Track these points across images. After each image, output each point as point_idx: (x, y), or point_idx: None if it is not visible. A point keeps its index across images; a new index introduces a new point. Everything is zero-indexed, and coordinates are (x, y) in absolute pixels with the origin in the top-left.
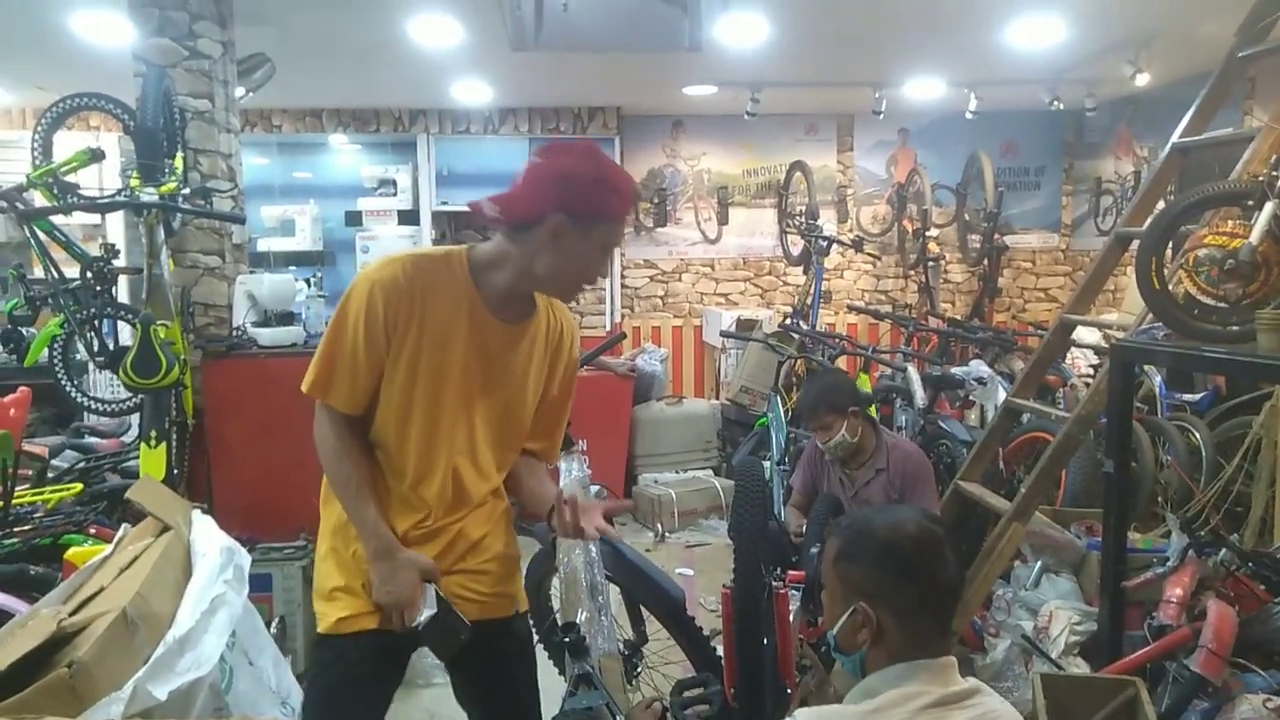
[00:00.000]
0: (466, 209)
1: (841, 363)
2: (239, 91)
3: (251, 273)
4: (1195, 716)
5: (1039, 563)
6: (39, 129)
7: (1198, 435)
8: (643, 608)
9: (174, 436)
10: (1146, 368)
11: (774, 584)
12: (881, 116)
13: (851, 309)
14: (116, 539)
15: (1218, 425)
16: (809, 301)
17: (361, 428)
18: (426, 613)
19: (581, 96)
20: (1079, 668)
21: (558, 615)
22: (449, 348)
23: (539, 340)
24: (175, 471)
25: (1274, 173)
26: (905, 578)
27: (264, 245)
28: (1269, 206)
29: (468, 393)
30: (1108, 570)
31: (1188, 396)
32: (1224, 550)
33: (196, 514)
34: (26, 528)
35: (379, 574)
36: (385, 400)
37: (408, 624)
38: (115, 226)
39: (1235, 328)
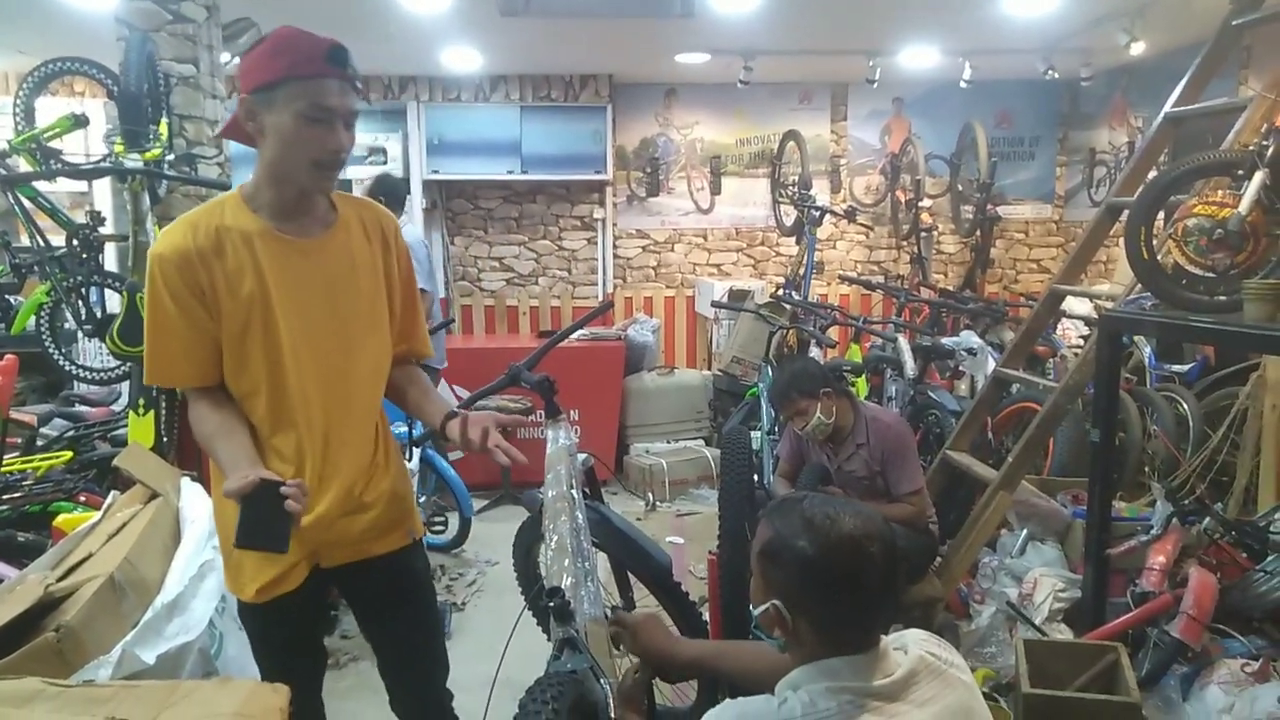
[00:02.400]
0: (457, 178)
1: (833, 333)
2: (224, 57)
3: None
4: (1174, 680)
5: (1025, 531)
6: (20, 94)
7: (1185, 405)
8: (630, 574)
9: (162, 404)
10: (1137, 339)
11: None
12: (875, 86)
13: (844, 279)
14: (105, 506)
15: (1205, 396)
16: (801, 272)
17: (227, 395)
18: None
19: (573, 64)
20: (1062, 634)
21: (545, 581)
22: (260, 285)
23: (355, 239)
24: (164, 439)
25: (1264, 142)
26: (824, 591)
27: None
28: (1258, 176)
29: (301, 322)
30: (1092, 538)
31: (1176, 367)
32: (1207, 519)
33: (185, 481)
34: (15, 495)
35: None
36: (227, 362)
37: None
38: (101, 193)
39: (1223, 297)
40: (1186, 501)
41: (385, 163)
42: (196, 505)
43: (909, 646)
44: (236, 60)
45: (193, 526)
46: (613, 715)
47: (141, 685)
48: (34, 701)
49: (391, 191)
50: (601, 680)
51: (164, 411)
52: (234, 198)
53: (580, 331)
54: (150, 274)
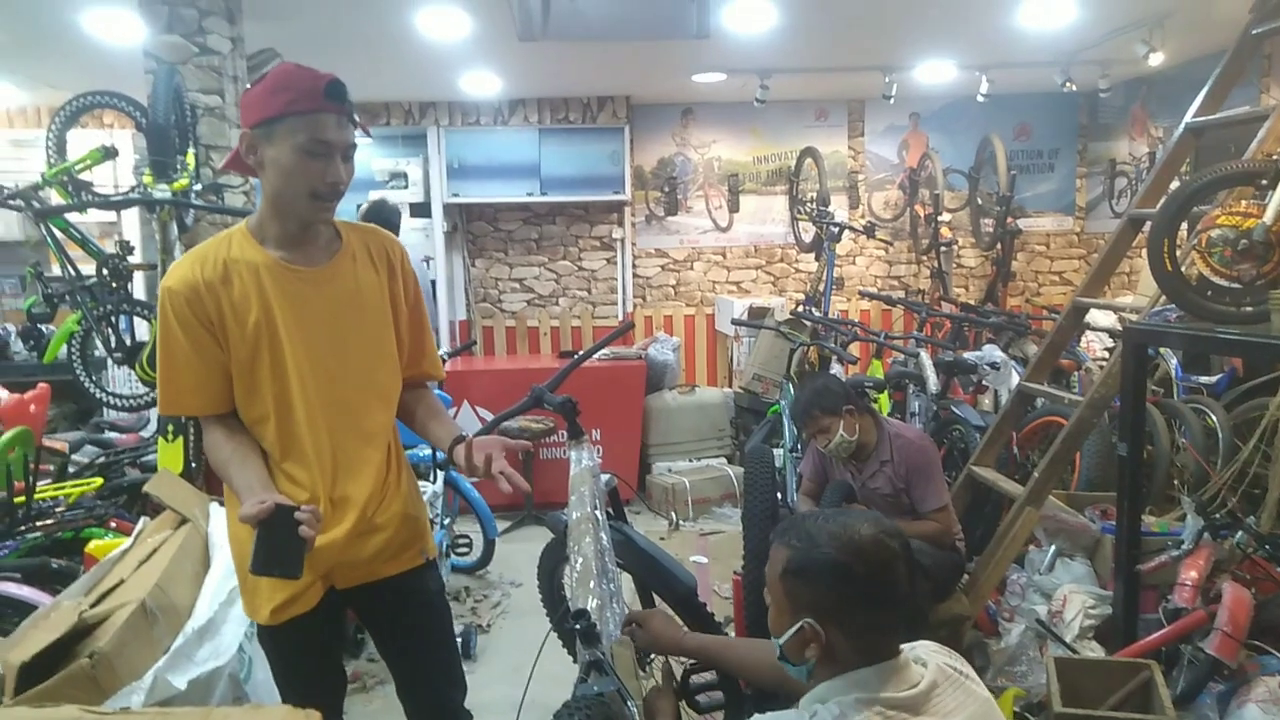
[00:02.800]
0: (477, 201)
1: (854, 349)
2: (249, 88)
3: None
4: (1210, 699)
5: (1053, 547)
6: (53, 127)
7: (1214, 417)
8: (655, 595)
9: (191, 430)
10: (1163, 350)
11: None
12: (892, 101)
13: (864, 295)
14: (136, 532)
15: (1234, 407)
16: (821, 288)
17: (240, 422)
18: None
19: (590, 86)
20: (1093, 651)
21: (570, 603)
22: (267, 314)
23: (362, 265)
24: (193, 465)
25: None
26: (857, 598)
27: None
28: None
29: (307, 350)
30: (1122, 553)
31: (1204, 379)
32: (1240, 533)
33: (214, 506)
34: (48, 522)
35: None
36: (237, 390)
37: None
38: (130, 223)
39: (1249, 309)
40: (1218, 515)
41: (406, 187)
42: (225, 530)
43: (925, 658)
44: None
45: (221, 551)
46: None
47: (174, 712)
48: None
49: (384, 218)
50: (629, 703)
51: (193, 438)
52: (240, 231)
53: (601, 351)
54: (160, 306)
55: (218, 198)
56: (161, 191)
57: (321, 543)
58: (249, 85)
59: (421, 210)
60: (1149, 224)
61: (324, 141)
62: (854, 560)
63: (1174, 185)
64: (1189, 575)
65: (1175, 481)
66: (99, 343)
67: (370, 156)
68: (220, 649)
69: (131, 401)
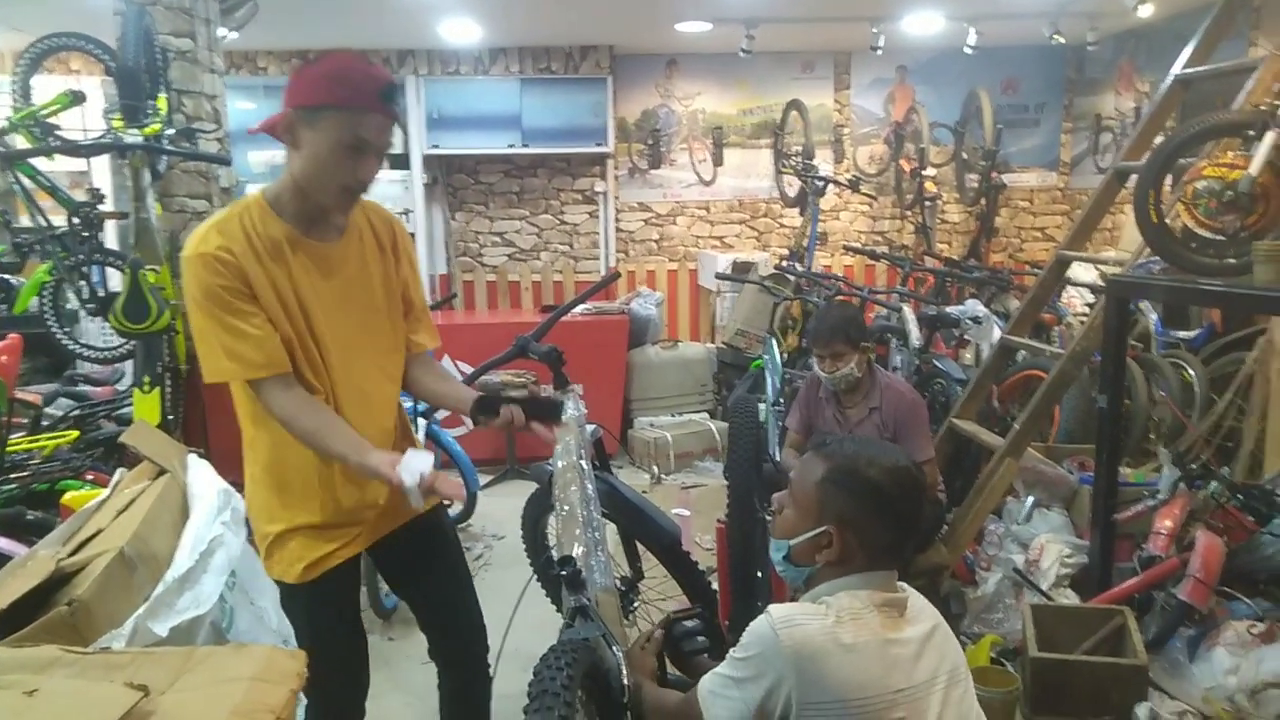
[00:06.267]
0: (457, 152)
1: None
2: (221, 31)
3: None
4: (1181, 643)
5: (1031, 498)
6: (17, 71)
7: (1191, 371)
8: (639, 544)
9: (167, 382)
10: (1142, 305)
11: (768, 519)
12: (879, 53)
13: (848, 250)
14: (113, 483)
15: (1212, 361)
16: (805, 243)
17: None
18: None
19: (573, 35)
20: (1069, 599)
21: (554, 551)
22: (294, 286)
23: (368, 242)
24: (170, 416)
25: (1276, 102)
26: (886, 516)
27: (253, 190)
28: (1269, 136)
29: (335, 320)
30: (1099, 504)
31: (1183, 334)
32: (1214, 483)
33: (192, 458)
34: (23, 474)
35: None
36: None
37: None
38: (100, 172)
39: (1232, 260)
40: (1193, 466)
41: None
42: (203, 481)
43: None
44: (234, 35)
45: (201, 502)
46: (625, 681)
47: (158, 652)
48: (52, 667)
49: None
50: (614, 647)
51: (169, 389)
52: (258, 202)
53: (583, 306)
54: (191, 275)
55: (191, 143)
56: (133, 136)
57: (369, 497)
58: (305, 65)
59: (400, 162)
60: (1134, 177)
61: (367, 141)
62: (890, 482)
63: (1160, 138)
64: (1164, 524)
65: (1152, 434)
66: (71, 294)
67: None
68: (201, 598)
69: (106, 354)
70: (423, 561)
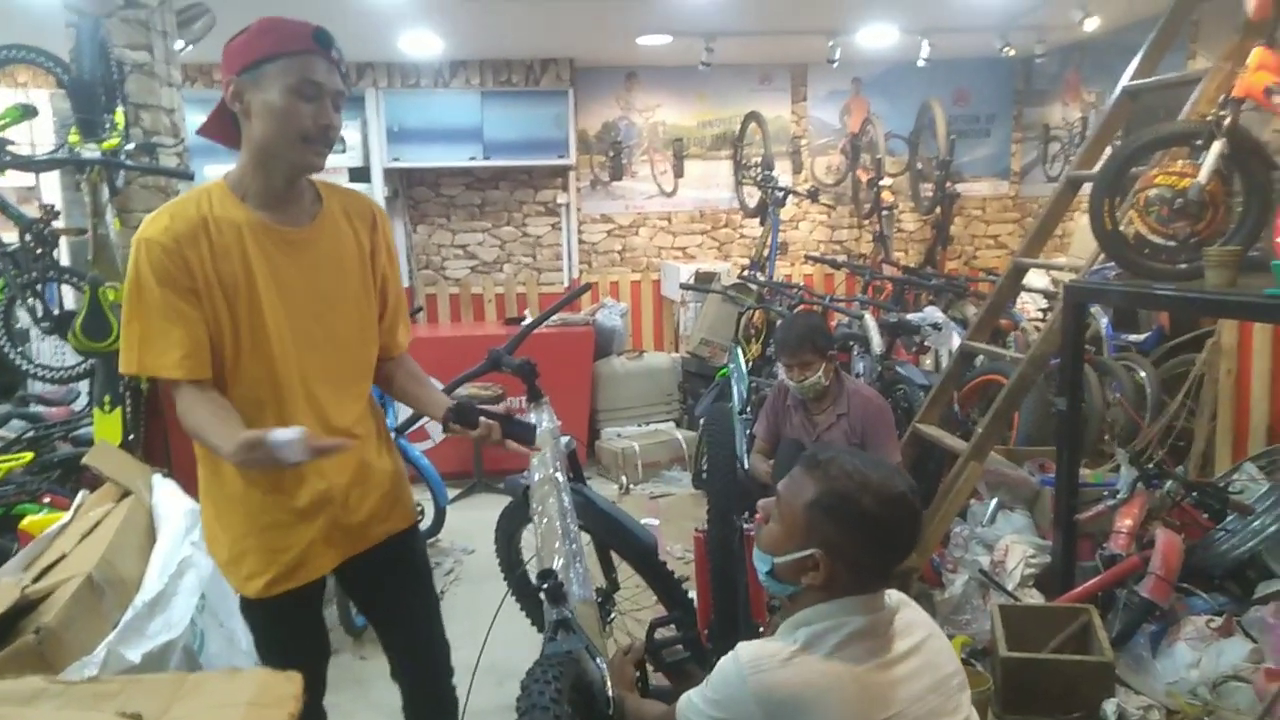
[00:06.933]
0: (418, 165)
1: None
2: (179, 44)
3: None
4: (1144, 639)
5: (995, 499)
6: None
7: (1143, 373)
8: (614, 554)
9: (128, 401)
10: (1094, 310)
11: (745, 527)
12: (835, 65)
13: (808, 259)
14: (75, 505)
15: (1162, 364)
16: (766, 253)
17: (219, 393)
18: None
19: (534, 48)
20: (1034, 599)
21: (529, 565)
22: (247, 274)
23: (342, 229)
24: (131, 436)
25: (1221, 112)
26: (878, 546)
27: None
28: (1216, 146)
29: (287, 311)
30: (1061, 504)
31: (1133, 337)
32: (1170, 482)
33: (157, 478)
34: None
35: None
36: (217, 356)
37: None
38: (50, 187)
39: (1184, 265)
40: (1149, 466)
41: (344, 151)
42: (170, 502)
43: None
44: (190, 48)
45: (167, 523)
46: (610, 694)
47: (147, 679)
48: (38, 699)
49: None
50: (597, 660)
51: (129, 408)
52: (219, 186)
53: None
54: (134, 259)
55: (151, 158)
56: (90, 151)
57: (323, 487)
58: (231, 39)
59: (360, 175)
60: (1087, 185)
61: (315, 83)
62: (885, 513)
63: (1109, 148)
64: (1124, 523)
65: (1106, 435)
66: (23, 313)
67: None
68: (172, 621)
69: (61, 373)
70: (390, 584)
